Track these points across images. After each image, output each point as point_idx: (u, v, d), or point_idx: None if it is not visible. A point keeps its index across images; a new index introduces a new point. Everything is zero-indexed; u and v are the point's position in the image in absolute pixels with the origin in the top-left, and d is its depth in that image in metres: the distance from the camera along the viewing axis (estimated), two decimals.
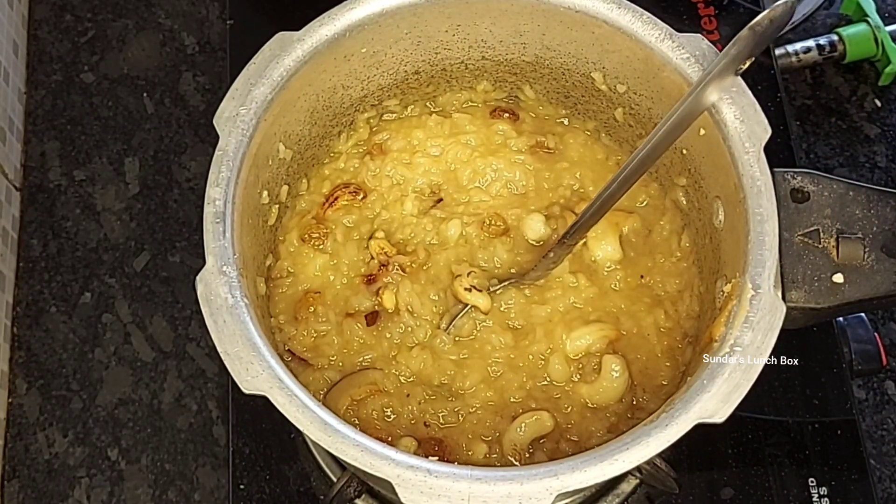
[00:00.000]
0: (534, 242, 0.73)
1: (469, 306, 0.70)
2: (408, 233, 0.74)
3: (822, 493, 0.81)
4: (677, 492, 0.76)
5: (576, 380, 0.68)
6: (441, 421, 0.67)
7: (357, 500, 0.79)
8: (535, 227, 0.72)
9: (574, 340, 0.68)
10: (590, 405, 0.68)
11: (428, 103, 0.79)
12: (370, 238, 0.73)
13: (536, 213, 0.73)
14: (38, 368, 0.94)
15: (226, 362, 0.58)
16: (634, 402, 0.68)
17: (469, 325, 0.70)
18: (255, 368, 0.58)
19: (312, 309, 0.71)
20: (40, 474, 0.90)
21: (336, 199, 0.74)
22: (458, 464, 0.65)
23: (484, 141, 0.77)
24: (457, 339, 0.70)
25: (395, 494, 0.55)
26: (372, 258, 0.72)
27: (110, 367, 0.94)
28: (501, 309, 0.70)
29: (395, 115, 0.79)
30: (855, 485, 0.81)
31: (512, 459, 0.66)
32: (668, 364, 0.69)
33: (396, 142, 0.77)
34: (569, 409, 0.68)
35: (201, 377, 0.93)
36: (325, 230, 0.73)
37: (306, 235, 0.73)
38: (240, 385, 0.57)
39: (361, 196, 0.75)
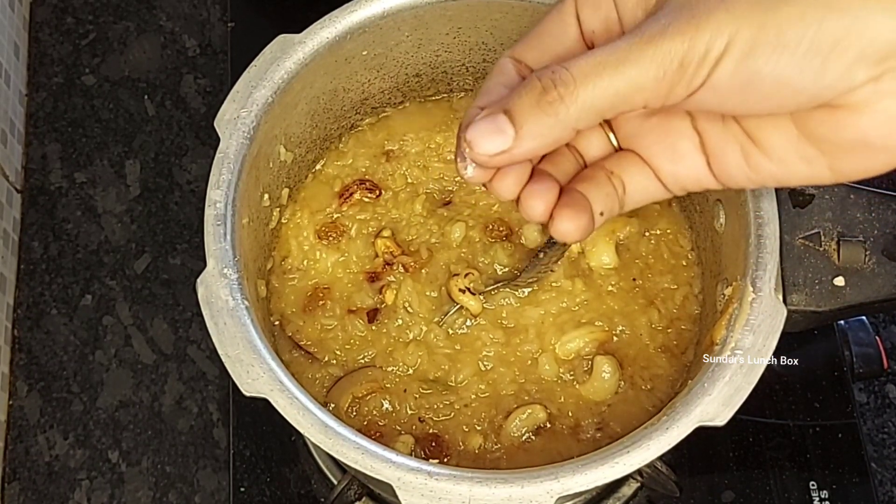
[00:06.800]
0: (532, 250, 0.73)
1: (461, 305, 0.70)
2: (413, 233, 0.74)
3: (822, 496, 0.81)
4: (678, 495, 0.76)
5: (567, 379, 0.68)
6: (435, 415, 0.67)
7: (357, 503, 0.79)
8: (531, 237, 0.73)
9: (565, 343, 0.69)
10: (582, 401, 0.68)
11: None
12: (377, 236, 0.73)
13: (531, 223, 0.73)
14: (39, 371, 0.94)
15: (226, 365, 0.58)
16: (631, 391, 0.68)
17: (461, 319, 0.70)
18: (256, 371, 0.58)
19: (322, 303, 0.71)
20: (41, 476, 0.90)
21: (351, 194, 0.75)
22: (453, 457, 0.66)
23: None
24: (450, 331, 0.70)
25: (396, 497, 0.55)
26: (377, 256, 0.72)
27: (111, 369, 0.94)
28: (493, 308, 0.71)
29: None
30: (856, 488, 0.81)
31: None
32: (664, 357, 0.69)
33: (415, 146, 0.77)
34: (562, 400, 0.68)
35: (202, 379, 0.93)
36: (342, 228, 0.74)
37: (323, 232, 0.73)
38: (240, 387, 0.57)
39: (377, 193, 0.75)
